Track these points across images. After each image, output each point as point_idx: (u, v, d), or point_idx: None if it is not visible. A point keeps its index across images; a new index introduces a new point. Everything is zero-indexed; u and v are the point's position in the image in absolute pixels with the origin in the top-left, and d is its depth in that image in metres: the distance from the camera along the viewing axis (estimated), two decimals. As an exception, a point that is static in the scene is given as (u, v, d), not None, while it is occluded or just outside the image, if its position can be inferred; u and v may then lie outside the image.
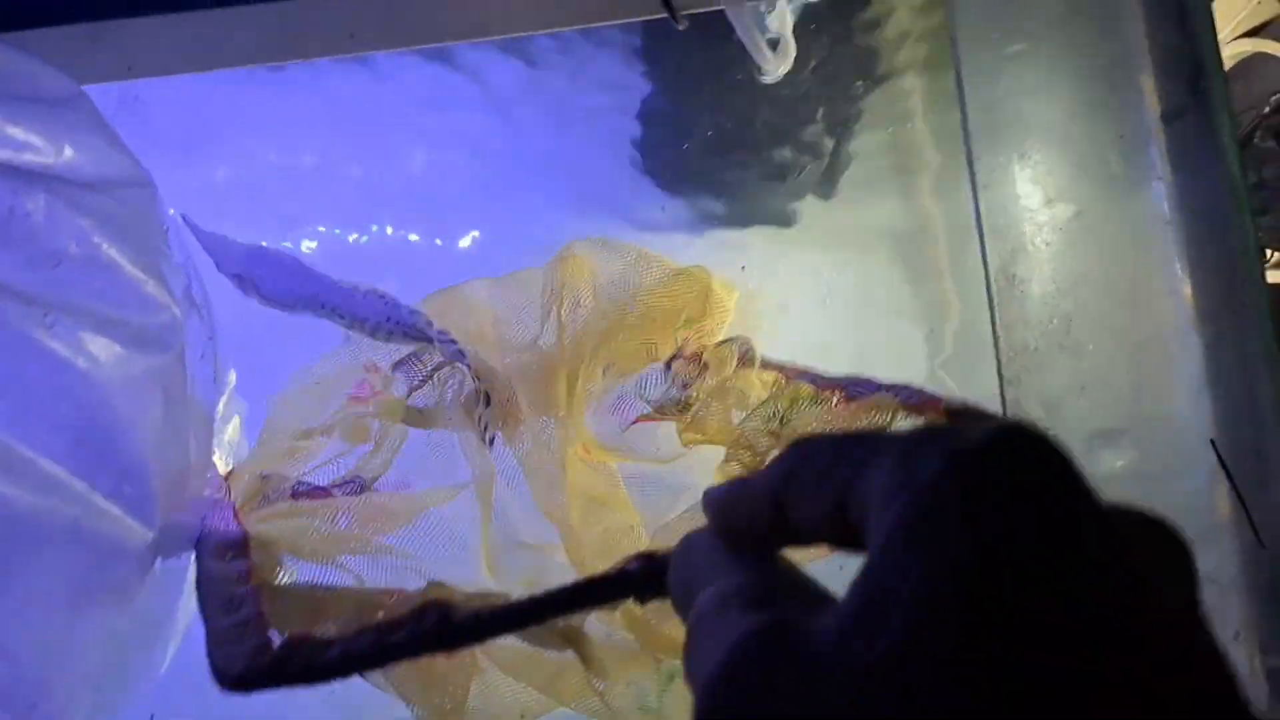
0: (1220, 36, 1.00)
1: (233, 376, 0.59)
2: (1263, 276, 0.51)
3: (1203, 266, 0.51)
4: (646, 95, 0.91)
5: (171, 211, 0.50)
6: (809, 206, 0.73)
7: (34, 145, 0.41)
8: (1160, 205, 0.52)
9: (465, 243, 1.02)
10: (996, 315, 0.54)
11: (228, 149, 0.90)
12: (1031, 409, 0.53)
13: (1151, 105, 0.53)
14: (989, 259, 0.55)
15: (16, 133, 0.40)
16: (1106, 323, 0.53)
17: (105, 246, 0.41)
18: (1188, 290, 0.51)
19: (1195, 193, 0.52)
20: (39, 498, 0.37)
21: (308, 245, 0.90)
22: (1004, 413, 0.53)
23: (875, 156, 0.72)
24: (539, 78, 0.93)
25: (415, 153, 0.96)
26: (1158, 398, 0.52)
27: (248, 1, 0.55)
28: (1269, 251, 0.84)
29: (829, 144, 0.74)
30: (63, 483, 0.38)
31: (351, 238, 1.00)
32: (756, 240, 0.84)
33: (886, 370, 0.41)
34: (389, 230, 1.02)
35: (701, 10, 0.55)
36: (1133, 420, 0.52)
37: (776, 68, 0.61)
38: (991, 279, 0.54)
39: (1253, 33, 1.00)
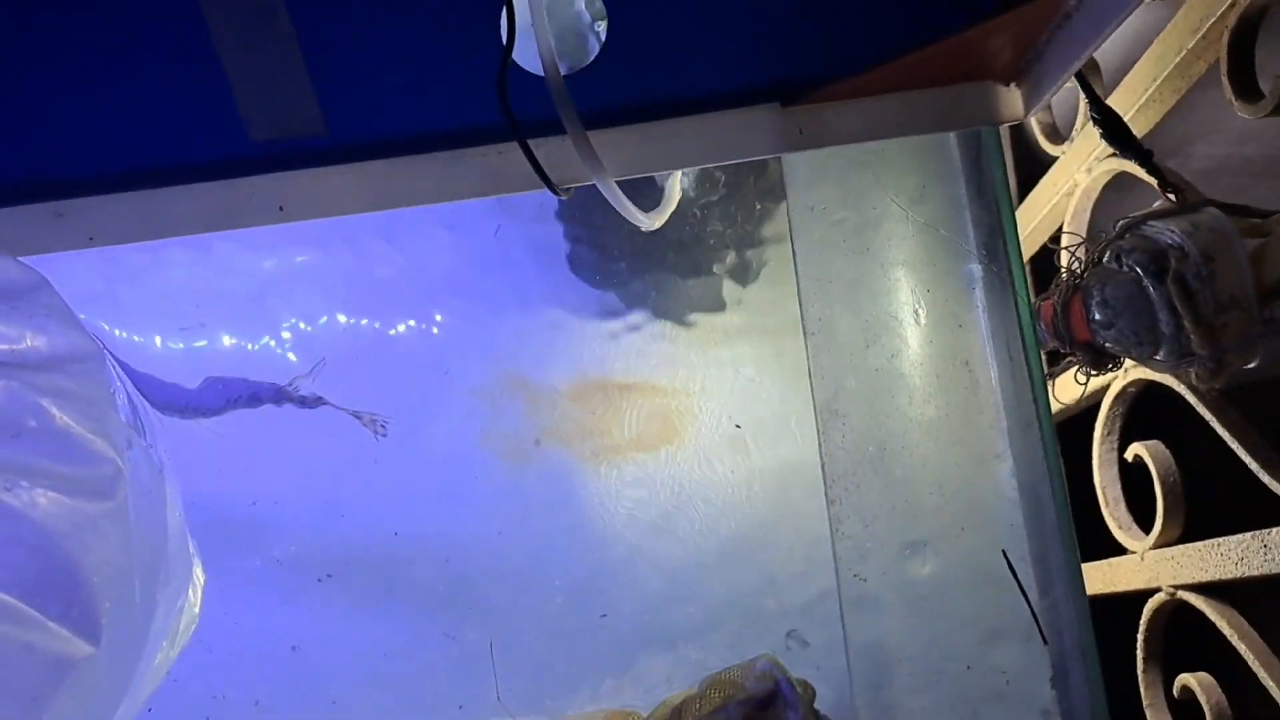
0: (1095, 153, 1.10)
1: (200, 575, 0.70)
2: (1048, 407, 0.60)
3: (1002, 401, 0.61)
4: (572, 214, 1.02)
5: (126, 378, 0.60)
6: (731, 293, 0.84)
7: (1, 336, 0.50)
8: (962, 349, 0.61)
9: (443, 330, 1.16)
10: (822, 444, 0.63)
11: (187, 258, 1.02)
12: (851, 524, 0.62)
13: (951, 260, 0.62)
14: (816, 396, 0.64)
15: (-14, 325, 0.49)
16: (916, 452, 0.62)
17: (59, 417, 0.50)
18: (987, 421, 0.61)
19: (990, 336, 0.61)
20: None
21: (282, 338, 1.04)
22: (830, 527, 0.62)
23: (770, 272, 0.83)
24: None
25: (379, 252, 1.08)
26: (957, 514, 0.60)
27: (188, 181, 0.65)
28: (1118, 361, 0.93)
29: (734, 257, 0.85)
30: (19, 610, 0.47)
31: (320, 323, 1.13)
32: (671, 330, 0.94)
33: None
34: (341, 318, 1.14)
35: (579, 185, 0.64)
36: (936, 533, 0.60)
37: (653, 222, 0.71)
38: (818, 413, 0.63)
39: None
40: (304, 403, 1.07)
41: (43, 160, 0.64)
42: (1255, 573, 0.85)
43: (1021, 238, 1.25)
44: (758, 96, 0.63)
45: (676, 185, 0.73)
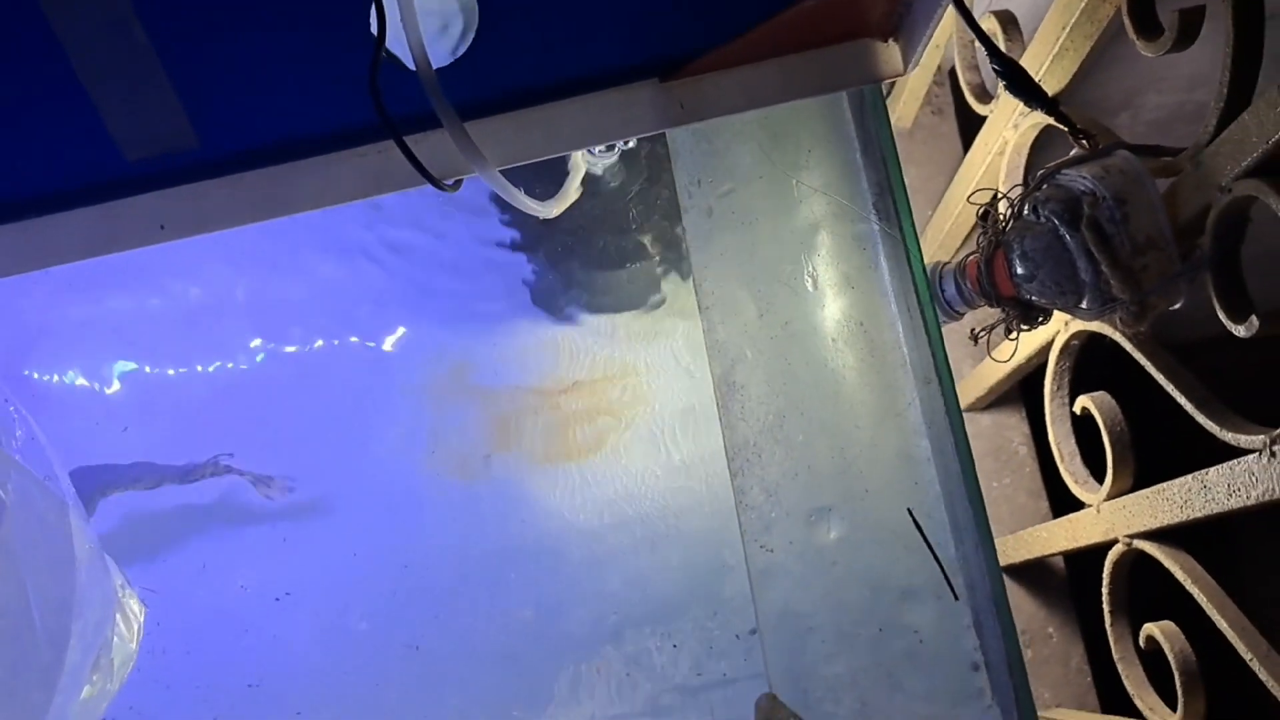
0: (1021, 108, 1.09)
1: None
2: (946, 364, 0.60)
3: (891, 361, 0.60)
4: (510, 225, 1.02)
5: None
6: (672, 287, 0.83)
7: None
8: (854, 310, 0.60)
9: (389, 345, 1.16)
10: (722, 417, 0.62)
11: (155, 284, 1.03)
12: (754, 495, 0.61)
13: (844, 225, 0.62)
14: (713, 370, 0.63)
15: None
16: (815, 417, 0.61)
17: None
18: (885, 381, 0.60)
19: (882, 297, 0.60)
20: None
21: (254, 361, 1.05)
22: (735, 500, 0.61)
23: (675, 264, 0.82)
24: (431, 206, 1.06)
25: (341, 270, 1.09)
26: (862, 477, 0.60)
27: (66, 208, 0.64)
28: (1047, 314, 0.93)
29: (657, 252, 0.84)
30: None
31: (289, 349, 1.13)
32: (608, 323, 0.94)
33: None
34: (318, 344, 1.15)
35: (460, 178, 0.64)
36: (841, 498, 0.60)
37: (550, 211, 0.70)
38: (716, 386, 0.63)
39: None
40: (214, 473, 1.09)
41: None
42: (1198, 514, 0.84)
43: (962, 196, 1.24)
44: (635, 74, 0.63)
45: (578, 173, 0.72)
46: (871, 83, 0.62)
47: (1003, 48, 1.12)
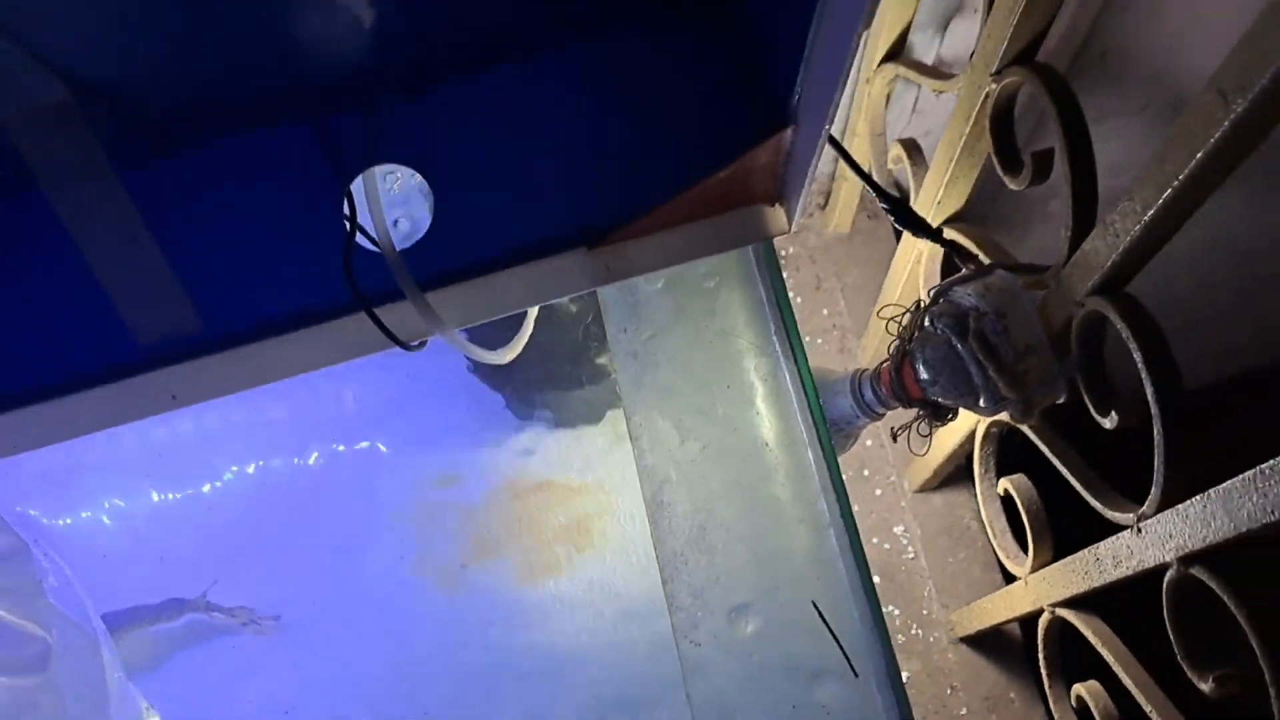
0: (931, 219, 1.23)
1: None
2: (839, 481, 0.71)
3: (795, 479, 0.71)
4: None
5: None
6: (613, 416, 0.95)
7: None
8: (760, 433, 0.72)
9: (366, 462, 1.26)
10: (653, 531, 0.73)
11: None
12: (682, 598, 0.72)
13: (746, 358, 0.74)
14: (644, 491, 0.74)
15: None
16: (732, 527, 0.72)
17: (-13, 607, 0.60)
18: (790, 493, 0.71)
19: (782, 421, 0.72)
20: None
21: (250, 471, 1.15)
22: (667, 603, 0.72)
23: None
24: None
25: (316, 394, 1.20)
26: (774, 577, 0.70)
27: (87, 388, 0.75)
28: (955, 411, 1.04)
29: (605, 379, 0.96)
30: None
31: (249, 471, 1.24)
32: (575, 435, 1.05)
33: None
34: (312, 459, 1.26)
35: (425, 339, 0.75)
36: (757, 595, 0.70)
37: (503, 358, 0.81)
38: (648, 505, 0.74)
39: (953, 219, 1.23)
40: (204, 610, 1.18)
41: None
42: (1098, 584, 0.94)
43: (885, 303, 1.37)
44: (567, 243, 0.75)
45: (529, 322, 0.84)
46: (762, 240, 0.74)
47: (909, 170, 1.26)
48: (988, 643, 1.57)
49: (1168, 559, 0.75)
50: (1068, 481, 0.99)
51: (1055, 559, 1.10)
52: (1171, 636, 0.78)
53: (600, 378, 1.07)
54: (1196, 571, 0.72)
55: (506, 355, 0.81)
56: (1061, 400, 0.94)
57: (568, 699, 1.01)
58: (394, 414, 1.27)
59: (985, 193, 1.14)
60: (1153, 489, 0.76)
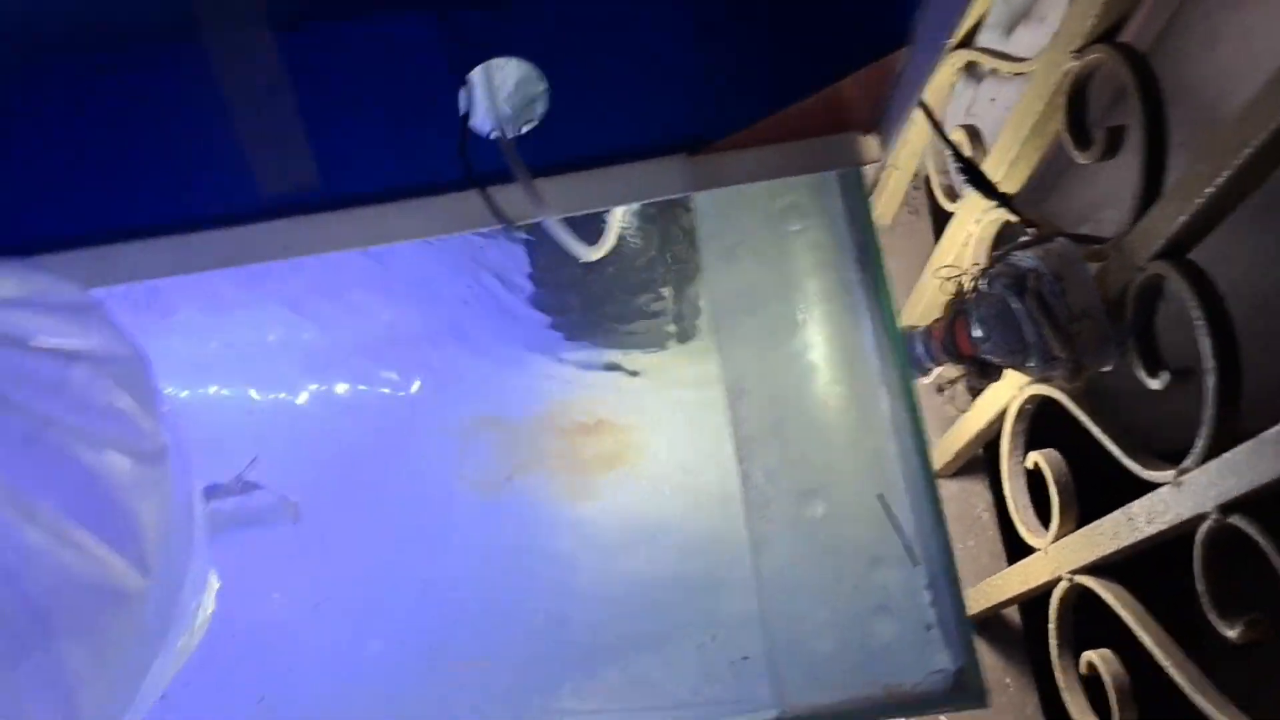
0: (984, 205, 1.27)
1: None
2: (911, 388, 0.75)
3: (869, 384, 0.76)
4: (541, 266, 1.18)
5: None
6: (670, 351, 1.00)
7: (74, 335, 0.64)
8: (839, 342, 0.76)
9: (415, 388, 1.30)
10: (732, 415, 0.78)
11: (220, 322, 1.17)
12: (756, 476, 0.76)
13: (831, 275, 0.79)
14: (725, 377, 0.79)
15: (65, 330, 0.64)
16: (807, 420, 0.76)
17: (122, 397, 0.64)
18: (865, 395, 0.76)
19: (864, 335, 0.77)
20: (77, 555, 0.59)
21: (302, 398, 1.19)
22: (740, 481, 0.77)
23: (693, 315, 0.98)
24: (462, 251, 1.21)
25: (379, 317, 1.23)
26: (843, 469, 0.75)
27: (207, 229, 0.80)
28: (1000, 372, 1.09)
29: (674, 304, 1.00)
30: (88, 544, 0.60)
31: (301, 399, 1.27)
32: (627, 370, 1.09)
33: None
34: (329, 389, 1.29)
35: (530, 222, 0.80)
36: (825, 484, 0.75)
37: (592, 255, 0.86)
38: (728, 390, 0.78)
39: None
40: (242, 489, 1.21)
41: (90, 215, 0.79)
42: (1126, 544, 0.98)
43: (932, 281, 1.42)
44: (669, 148, 0.80)
45: (615, 226, 0.89)
46: (853, 166, 0.79)
47: (969, 154, 1.31)
48: (988, 629, 1.61)
49: (1208, 509, 0.80)
50: (1087, 461, 1.03)
51: (1076, 529, 1.14)
52: (1202, 587, 0.82)
53: (656, 314, 1.11)
54: (1236, 520, 0.77)
55: (595, 252, 0.86)
56: (1109, 368, 0.99)
57: (627, 579, 1.04)
58: (449, 340, 1.30)
59: (1029, 198, 1.18)
60: (1198, 442, 0.81)
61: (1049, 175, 1.22)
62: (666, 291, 1.01)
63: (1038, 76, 1.05)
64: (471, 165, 0.78)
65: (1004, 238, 1.31)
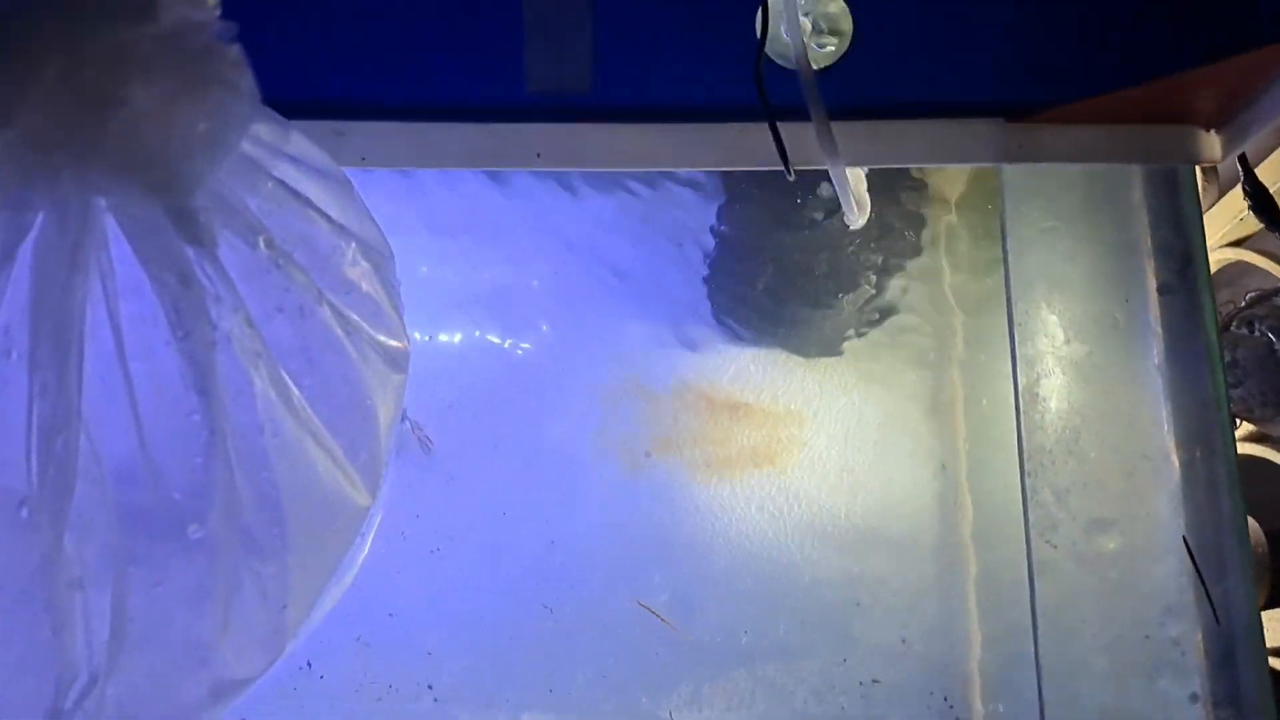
0: (1210, 244, 1.18)
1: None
2: (1230, 421, 0.66)
3: (1183, 407, 0.66)
4: (718, 233, 1.09)
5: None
6: (850, 343, 0.90)
7: (336, 208, 0.56)
8: (1153, 356, 0.67)
9: (538, 347, 1.21)
10: (1021, 422, 0.69)
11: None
12: (1044, 495, 0.67)
13: (1150, 280, 0.69)
14: (1019, 378, 0.70)
15: (329, 199, 0.55)
16: (1106, 437, 0.67)
17: (377, 287, 0.56)
18: (1169, 421, 0.66)
19: (1180, 351, 0.67)
20: (324, 459, 0.51)
21: (445, 339, 1.11)
22: (1023, 497, 0.67)
23: (914, 302, 0.89)
24: (629, 209, 1.12)
25: (512, 264, 1.14)
26: (1143, 500, 0.66)
27: (456, 120, 0.71)
28: (1238, 420, 0.99)
29: (873, 290, 0.91)
30: (331, 445, 0.52)
31: (442, 337, 1.18)
32: (798, 367, 1.00)
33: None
34: (476, 333, 1.20)
35: (811, 168, 0.71)
36: (1122, 514, 0.66)
37: (859, 218, 0.77)
38: (1019, 394, 0.69)
39: (1237, 243, 1.18)
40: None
41: (329, 81, 0.71)
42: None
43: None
44: (984, 110, 0.70)
45: (862, 192, 0.79)
46: (1188, 164, 0.69)
47: (1201, 182, 1.21)
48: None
49: None
50: None
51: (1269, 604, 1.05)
52: None
53: (839, 309, 1.02)
54: None
55: (863, 216, 0.77)
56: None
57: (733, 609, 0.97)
58: (606, 296, 1.22)
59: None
60: None
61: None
62: (853, 294, 0.92)
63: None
64: (766, 94, 0.68)
65: (1229, 277, 1.21)
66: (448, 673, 1.12)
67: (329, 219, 0.52)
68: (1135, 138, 0.70)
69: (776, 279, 1.05)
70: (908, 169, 0.84)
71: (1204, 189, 1.20)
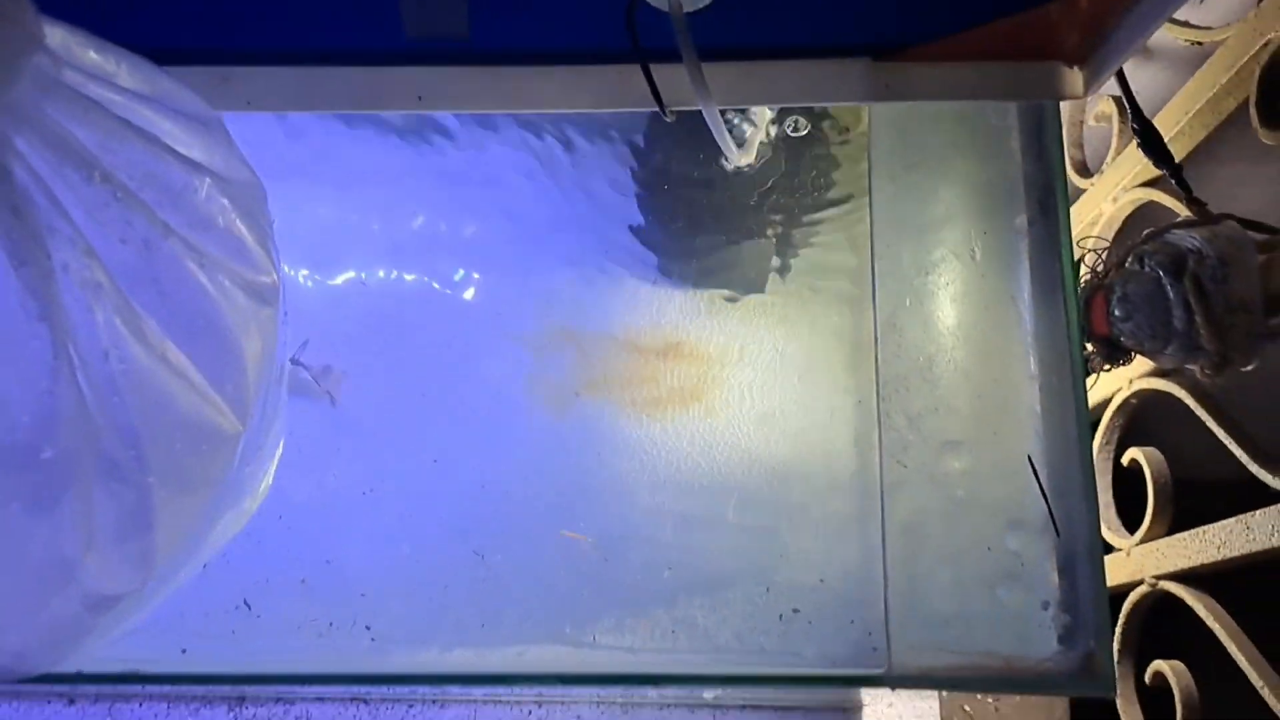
0: (1122, 184, 1.20)
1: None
2: (1081, 348, 0.69)
3: (1039, 334, 0.69)
4: (642, 180, 1.10)
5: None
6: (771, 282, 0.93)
7: (197, 147, 0.58)
8: (1011, 287, 0.70)
9: (469, 294, 1.23)
10: (879, 352, 0.72)
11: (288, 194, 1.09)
12: (897, 420, 0.70)
13: (1010, 214, 0.71)
14: (878, 312, 0.72)
15: (189, 139, 0.57)
16: (961, 367, 0.70)
17: (238, 222, 0.58)
18: (1024, 350, 0.69)
19: (1038, 281, 0.70)
20: (180, 384, 0.53)
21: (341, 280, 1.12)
22: (878, 420, 0.70)
23: (820, 243, 0.91)
24: (558, 159, 1.13)
25: (445, 211, 1.16)
26: (992, 424, 0.69)
27: (339, 64, 0.73)
28: (1134, 355, 1.02)
29: (783, 231, 0.93)
30: (190, 373, 0.54)
31: (380, 274, 1.20)
32: (721, 303, 1.03)
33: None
34: (407, 278, 1.21)
35: (685, 109, 0.73)
36: (972, 436, 0.69)
37: (740, 160, 0.79)
38: (878, 325, 0.72)
39: (1150, 183, 1.20)
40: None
41: (214, 29, 0.72)
42: (1237, 554, 0.92)
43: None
44: (853, 50, 0.72)
45: (762, 130, 0.81)
46: (1053, 99, 0.71)
47: (1115, 128, 1.23)
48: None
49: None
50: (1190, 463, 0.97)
51: (1168, 534, 1.08)
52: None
53: (759, 248, 1.04)
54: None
55: (744, 157, 0.79)
56: (1250, 367, 0.92)
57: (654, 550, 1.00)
58: (531, 243, 1.23)
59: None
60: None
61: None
62: (784, 225, 0.94)
63: (1230, 45, 0.97)
64: (637, 36, 0.70)
65: (1136, 218, 1.23)
66: (384, 612, 1.16)
67: (180, 157, 0.54)
68: (1001, 74, 0.72)
69: (698, 217, 1.07)
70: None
71: (1119, 131, 1.22)
